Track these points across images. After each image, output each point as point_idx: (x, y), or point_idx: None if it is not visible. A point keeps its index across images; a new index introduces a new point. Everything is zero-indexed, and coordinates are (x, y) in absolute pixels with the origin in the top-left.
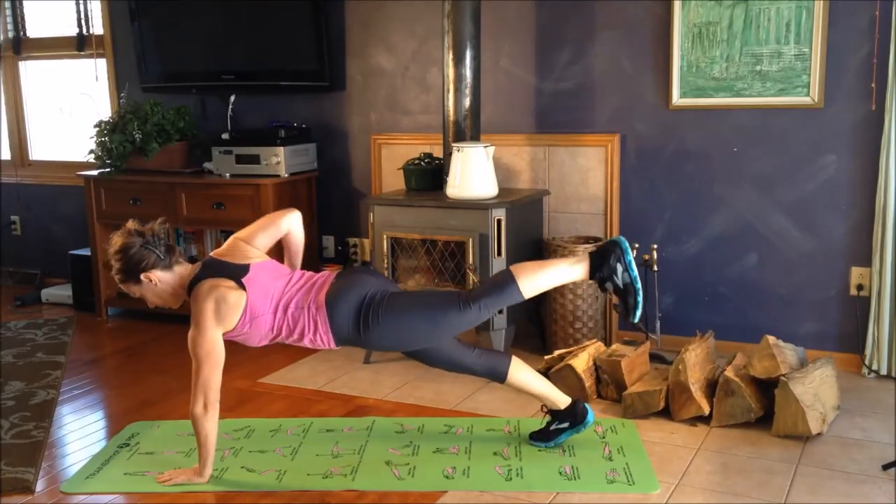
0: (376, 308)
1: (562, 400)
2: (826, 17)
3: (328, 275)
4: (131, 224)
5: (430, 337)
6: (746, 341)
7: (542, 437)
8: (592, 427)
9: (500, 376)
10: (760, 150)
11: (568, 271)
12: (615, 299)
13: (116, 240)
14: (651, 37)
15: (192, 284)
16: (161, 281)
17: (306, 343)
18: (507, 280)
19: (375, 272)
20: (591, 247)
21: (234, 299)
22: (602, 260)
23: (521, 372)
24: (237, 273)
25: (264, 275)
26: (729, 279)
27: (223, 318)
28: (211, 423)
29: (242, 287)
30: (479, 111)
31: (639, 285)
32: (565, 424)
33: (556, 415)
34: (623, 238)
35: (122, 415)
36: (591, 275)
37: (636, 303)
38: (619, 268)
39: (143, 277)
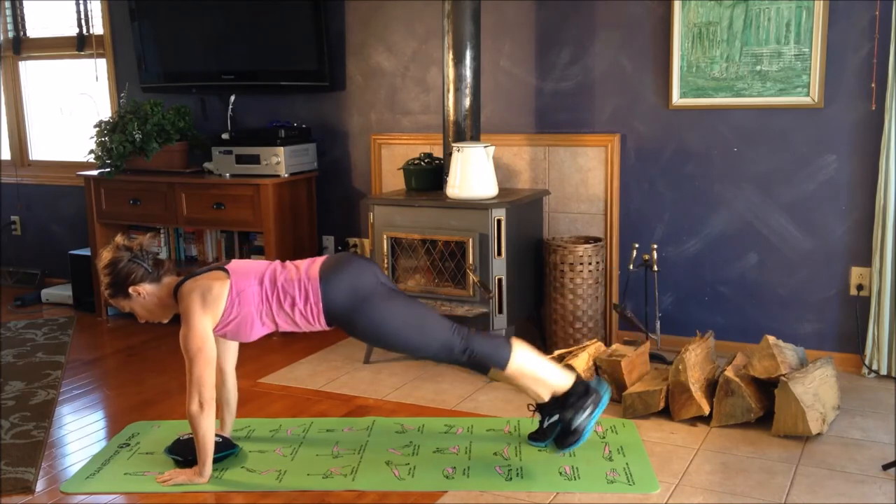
0: (372, 297)
1: (545, 391)
2: (826, 17)
3: (317, 258)
4: (120, 239)
5: (408, 347)
6: (746, 341)
7: (539, 435)
8: (593, 427)
9: (483, 369)
10: (760, 150)
11: (556, 374)
12: (535, 416)
13: (105, 255)
14: (651, 37)
15: (176, 289)
16: (149, 294)
17: (297, 317)
18: (503, 347)
19: (369, 259)
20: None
21: (218, 288)
22: (585, 392)
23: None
24: (218, 266)
25: (247, 264)
26: (729, 279)
27: (209, 306)
28: (208, 422)
29: (225, 272)
30: (479, 111)
31: (585, 439)
32: (555, 417)
33: (543, 409)
34: (608, 390)
35: (122, 415)
36: (562, 395)
37: (573, 444)
38: (585, 413)
39: (131, 291)
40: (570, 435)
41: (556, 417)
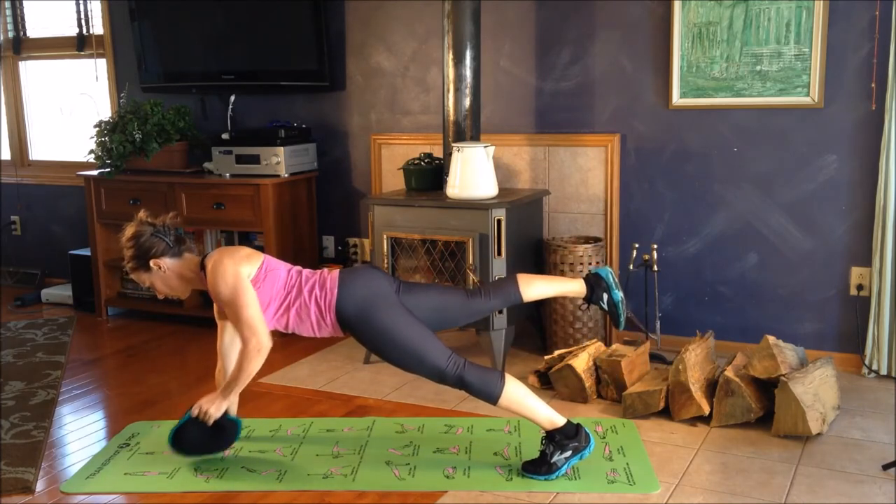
0: (385, 303)
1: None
2: (826, 17)
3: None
4: (143, 214)
5: (402, 361)
6: (746, 341)
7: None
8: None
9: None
10: (760, 150)
11: (547, 414)
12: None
13: (129, 229)
14: (651, 37)
15: (204, 258)
16: (169, 269)
17: (312, 305)
18: (494, 384)
19: (385, 273)
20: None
21: (250, 250)
22: (574, 434)
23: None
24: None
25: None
26: (729, 279)
27: (240, 260)
28: (257, 363)
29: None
30: (479, 111)
31: (554, 477)
32: (541, 446)
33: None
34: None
35: (122, 415)
36: (551, 430)
37: (542, 475)
38: (565, 454)
39: (152, 264)
40: (543, 465)
41: (541, 446)
